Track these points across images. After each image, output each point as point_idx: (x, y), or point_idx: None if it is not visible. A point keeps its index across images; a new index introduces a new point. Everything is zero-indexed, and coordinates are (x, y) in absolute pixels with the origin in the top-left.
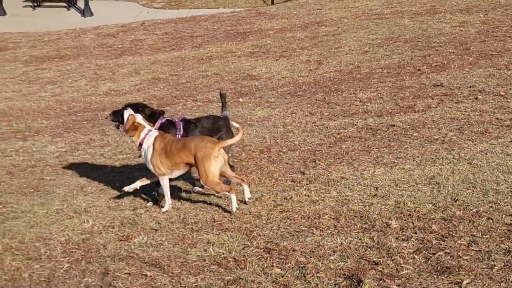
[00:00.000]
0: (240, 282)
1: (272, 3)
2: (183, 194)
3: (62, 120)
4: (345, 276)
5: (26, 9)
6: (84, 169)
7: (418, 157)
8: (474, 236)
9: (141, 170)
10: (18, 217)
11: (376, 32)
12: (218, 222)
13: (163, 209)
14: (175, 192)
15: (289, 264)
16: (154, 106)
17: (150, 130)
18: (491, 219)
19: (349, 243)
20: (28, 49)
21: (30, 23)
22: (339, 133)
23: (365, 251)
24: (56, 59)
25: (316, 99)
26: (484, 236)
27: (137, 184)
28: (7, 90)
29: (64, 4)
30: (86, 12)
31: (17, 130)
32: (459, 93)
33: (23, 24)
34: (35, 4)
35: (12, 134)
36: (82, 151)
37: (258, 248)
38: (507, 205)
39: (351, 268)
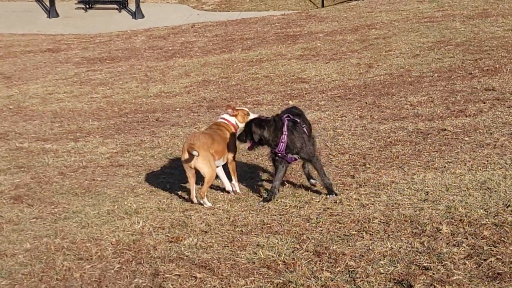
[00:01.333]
0: (289, 286)
1: (322, 5)
2: (232, 197)
3: (113, 121)
4: (395, 281)
5: (78, 11)
6: (135, 171)
7: (470, 161)
8: None
9: None
10: (69, 217)
11: (427, 36)
12: (268, 225)
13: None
14: (224, 195)
15: (338, 268)
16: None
17: None
18: None
19: (399, 248)
20: (80, 50)
21: (82, 25)
22: (389, 137)
23: (416, 256)
24: (107, 61)
25: (366, 103)
26: None
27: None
28: (59, 91)
29: (115, 6)
30: (137, 14)
31: (68, 131)
32: (511, 98)
33: (75, 25)
34: (87, 6)
35: (64, 135)
36: (133, 152)
37: (307, 251)
38: None
39: (401, 273)
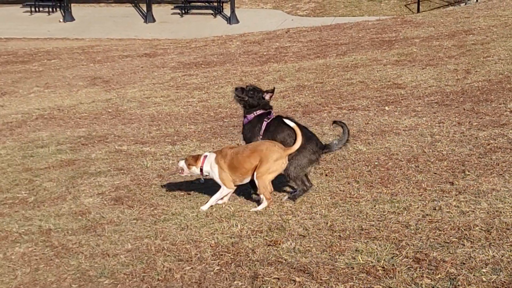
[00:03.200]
0: None
1: (418, 11)
2: (330, 202)
3: (210, 125)
4: None
5: (174, 16)
6: None
7: None
8: None
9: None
10: (169, 219)
11: None
12: (366, 231)
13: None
14: (320, 200)
15: (439, 275)
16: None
17: (206, 155)
18: None
19: (502, 256)
20: (176, 55)
21: (178, 30)
22: (489, 144)
23: None
24: (203, 66)
25: (464, 109)
26: None
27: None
28: (156, 95)
29: (210, 11)
30: (232, 19)
31: (166, 134)
32: None
33: (171, 30)
34: (183, 11)
35: (162, 138)
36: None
37: (407, 257)
38: None
39: (504, 282)
